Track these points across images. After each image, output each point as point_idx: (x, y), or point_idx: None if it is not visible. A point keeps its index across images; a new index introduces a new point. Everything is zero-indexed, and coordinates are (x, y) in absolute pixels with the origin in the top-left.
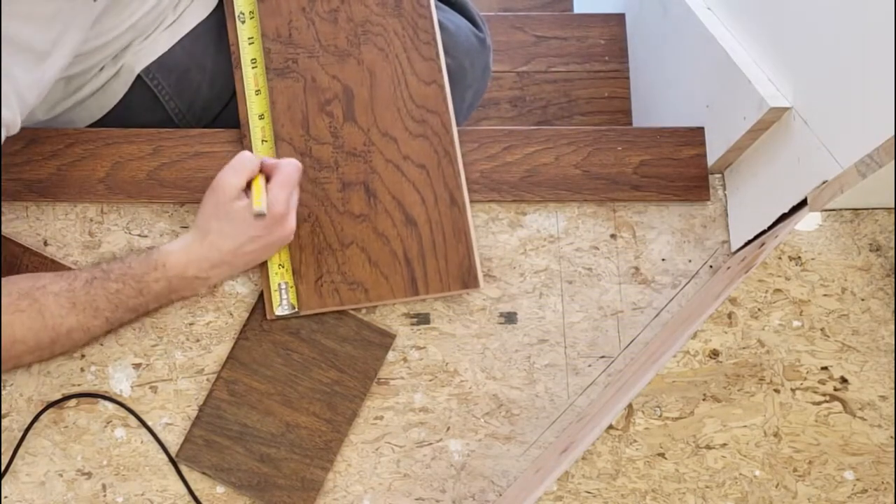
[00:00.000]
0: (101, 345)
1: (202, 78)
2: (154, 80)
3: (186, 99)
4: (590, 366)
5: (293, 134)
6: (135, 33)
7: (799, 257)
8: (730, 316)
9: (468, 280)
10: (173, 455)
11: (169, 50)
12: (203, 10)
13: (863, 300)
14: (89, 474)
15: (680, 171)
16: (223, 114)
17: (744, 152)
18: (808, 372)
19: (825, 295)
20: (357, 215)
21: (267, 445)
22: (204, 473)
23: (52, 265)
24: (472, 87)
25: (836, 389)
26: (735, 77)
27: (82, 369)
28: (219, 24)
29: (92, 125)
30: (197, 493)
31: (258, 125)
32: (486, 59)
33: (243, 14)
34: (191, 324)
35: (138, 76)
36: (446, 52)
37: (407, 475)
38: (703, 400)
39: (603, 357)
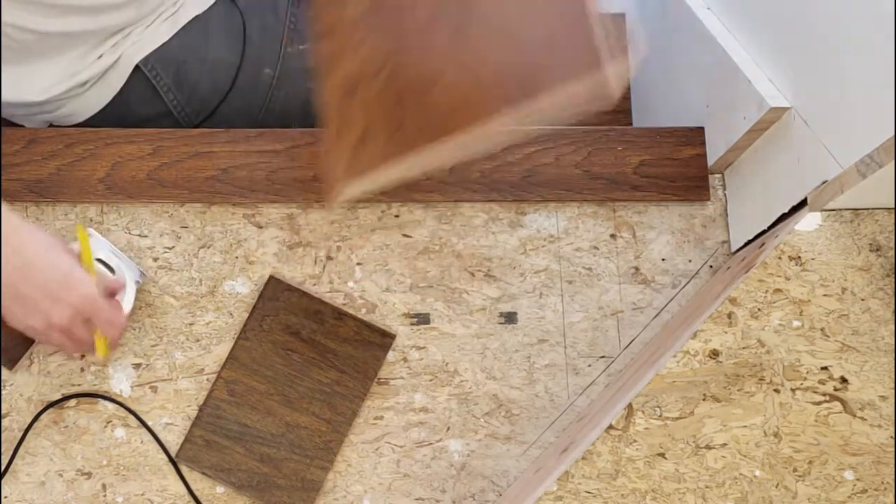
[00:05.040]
0: None
1: (201, 70)
2: (153, 72)
3: (185, 91)
4: (590, 366)
5: None
6: (134, 13)
7: (799, 257)
8: (730, 316)
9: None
10: (173, 455)
11: (167, 41)
12: (204, 2)
13: (863, 300)
14: (89, 474)
15: (680, 171)
16: (222, 106)
17: (744, 152)
18: (808, 372)
19: (825, 295)
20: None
21: (267, 445)
22: (204, 473)
23: None
24: None
25: (836, 389)
26: (735, 77)
27: (82, 369)
28: (220, 15)
29: (92, 118)
30: (197, 493)
31: None
32: None
33: None
34: (191, 324)
35: (137, 67)
36: None
37: (407, 475)
38: (703, 400)
39: (603, 357)
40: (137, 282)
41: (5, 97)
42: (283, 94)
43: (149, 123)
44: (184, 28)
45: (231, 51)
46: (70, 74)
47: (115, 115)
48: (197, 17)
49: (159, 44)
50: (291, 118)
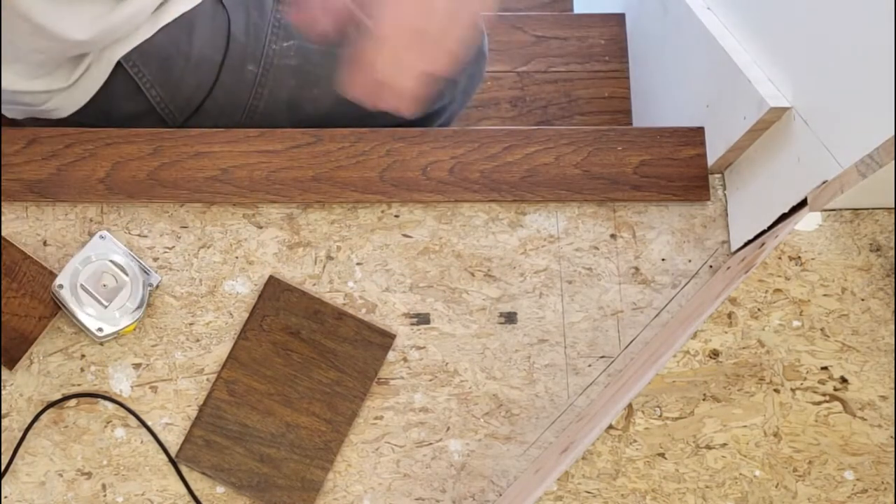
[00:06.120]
0: (101, 345)
1: (185, 66)
2: (134, 68)
3: (169, 88)
4: (590, 366)
5: None
6: None
7: (799, 257)
8: (730, 316)
9: None
10: (173, 455)
11: (150, 38)
12: (190, 1)
13: (863, 300)
14: (89, 474)
15: (680, 171)
16: (206, 103)
17: (744, 152)
18: (808, 372)
19: (825, 295)
20: None
21: (267, 445)
22: (204, 473)
23: (50, 275)
24: (465, 71)
25: (836, 389)
26: (735, 77)
27: (82, 369)
28: (204, 12)
29: (77, 113)
30: (197, 493)
31: None
32: (478, 41)
33: None
34: (191, 324)
35: (119, 63)
36: None
37: (407, 475)
38: (703, 400)
39: (603, 357)
40: (150, 285)
41: None
42: (267, 92)
43: (133, 120)
44: (168, 25)
45: (215, 48)
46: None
47: (100, 111)
48: (182, 14)
49: (141, 40)
50: (276, 115)
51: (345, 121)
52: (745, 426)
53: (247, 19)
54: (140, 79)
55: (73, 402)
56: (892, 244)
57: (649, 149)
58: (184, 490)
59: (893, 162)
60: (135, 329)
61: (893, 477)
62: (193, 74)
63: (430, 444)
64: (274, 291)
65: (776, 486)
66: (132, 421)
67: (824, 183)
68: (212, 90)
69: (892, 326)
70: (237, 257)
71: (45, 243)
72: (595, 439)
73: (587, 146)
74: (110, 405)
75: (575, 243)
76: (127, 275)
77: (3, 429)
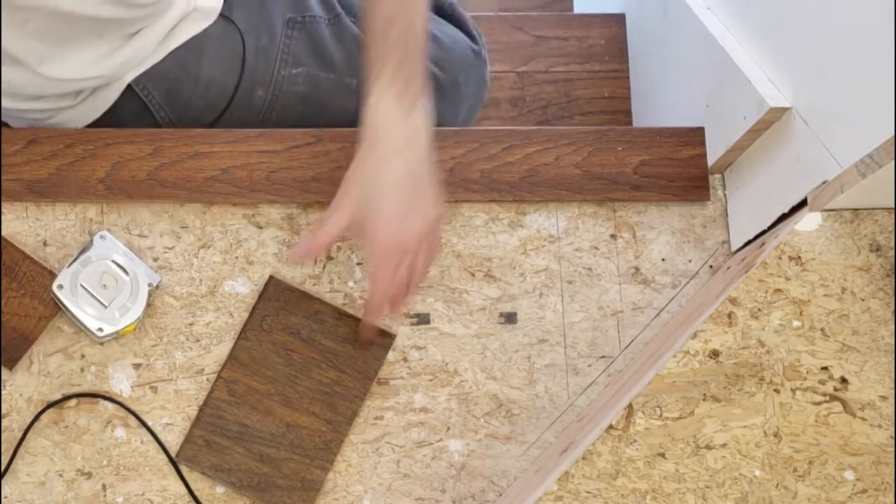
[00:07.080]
0: (101, 345)
1: (194, 89)
2: (144, 90)
3: (177, 109)
4: (590, 366)
5: None
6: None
7: (799, 257)
8: (730, 316)
9: None
10: (173, 455)
11: (160, 61)
12: (199, 24)
13: (863, 300)
14: (89, 474)
15: (680, 171)
16: (214, 125)
17: (744, 152)
18: (808, 372)
19: (825, 295)
20: None
21: (267, 445)
22: (204, 473)
23: (50, 276)
24: (466, 102)
25: (836, 389)
26: (735, 77)
27: (82, 369)
28: (216, 35)
29: (84, 127)
30: (197, 493)
31: None
32: (482, 73)
33: None
34: (191, 324)
35: (129, 85)
36: (439, 66)
37: (407, 475)
38: (703, 400)
39: (603, 357)
40: (150, 284)
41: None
42: (274, 116)
43: None
44: (177, 48)
45: (224, 70)
46: (99, 58)
47: (107, 127)
48: (192, 38)
49: (151, 64)
50: None
51: None
52: (745, 426)
53: (257, 44)
54: (150, 100)
55: (73, 402)
56: (892, 244)
57: (649, 149)
58: (184, 490)
59: (893, 162)
60: (135, 329)
61: (893, 477)
62: (202, 97)
63: (431, 444)
64: (274, 291)
65: (776, 487)
66: (132, 421)
67: (824, 183)
68: (221, 113)
69: (892, 326)
70: (237, 257)
71: (45, 243)
72: (595, 439)
73: (587, 146)
74: (110, 405)
75: (575, 243)
76: (127, 275)
77: (3, 429)
